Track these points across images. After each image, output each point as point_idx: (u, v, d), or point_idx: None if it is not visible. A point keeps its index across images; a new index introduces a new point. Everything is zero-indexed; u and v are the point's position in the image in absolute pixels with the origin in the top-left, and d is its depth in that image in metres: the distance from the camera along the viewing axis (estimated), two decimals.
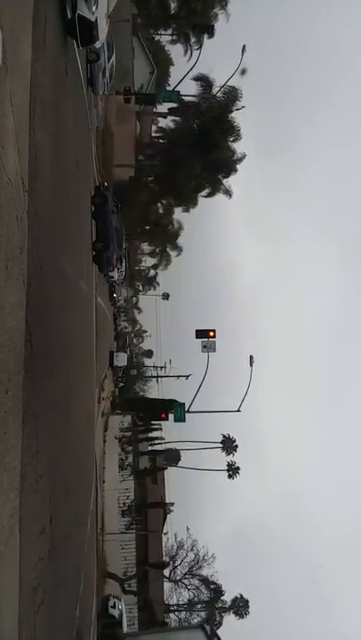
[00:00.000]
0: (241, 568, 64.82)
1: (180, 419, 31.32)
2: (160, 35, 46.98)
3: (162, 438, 49.16)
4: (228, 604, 42.03)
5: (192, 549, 41.03)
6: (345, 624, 62.24)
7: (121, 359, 45.09)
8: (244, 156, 37.86)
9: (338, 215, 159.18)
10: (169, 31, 44.89)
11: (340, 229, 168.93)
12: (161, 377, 61.01)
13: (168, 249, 53.07)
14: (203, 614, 41.54)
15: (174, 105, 38.74)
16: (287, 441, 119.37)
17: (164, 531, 41.89)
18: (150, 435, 47.68)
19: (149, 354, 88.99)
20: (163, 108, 41.49)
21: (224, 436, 48.10)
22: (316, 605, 76.19)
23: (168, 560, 40.89)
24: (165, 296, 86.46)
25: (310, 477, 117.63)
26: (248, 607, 42.17)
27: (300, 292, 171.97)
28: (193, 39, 42.28)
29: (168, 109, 40.22)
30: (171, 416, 31.76)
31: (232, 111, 36.56)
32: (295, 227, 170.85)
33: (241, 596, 42.38)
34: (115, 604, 20.86)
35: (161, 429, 47.73)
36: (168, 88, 44.30)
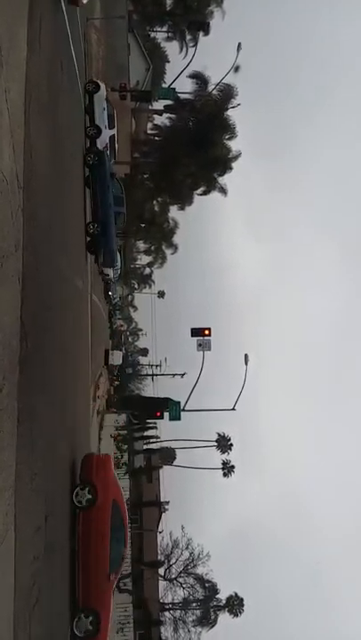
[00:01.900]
0: (237, 567, 65.05)
1: (175, 417, 31.28)
2: (156, 32, 46.93)
3: (157, 437, 49.18)
4: (223, 602, 42.12)
5: (187, 548, 41.14)
6: (345, 624, 62.66)
7: (116, 357, 45.00)
8: (240, 154, 37.92)
9: (339, 215, 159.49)
10: (165, 28, 44.86)
11: (340, 229, 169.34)
12: (156, 375, 61.03)
13: (164, 247, 53.03)
14: (198, 612, 41.65)
15: (170, 102, 38.72)
16: (286, 440, 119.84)
17: (160, 529, 41.96)
18: (145, 433, 47.69)
19: (145, 352, 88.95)
20: (158, 105, 41.48)
21: (219, 435, 48.18)
22: (316, 605, 76.53)
23: (163, 559, 40.96)
24: (161, 294, 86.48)
25: (309, 477, 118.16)
26: (243, 606, 42.28)
27: (300, 291, 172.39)
28: (189, 36, 42.28)
29: (164, 107, 40.19)
30: (166, 415, 31.72)
31: (227, 109, 36.58)
32: (295, 226, 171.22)
33: (236, 594, 42.48)
34: None
35: (156, 428, 47.76)
36: (164, 85, 44.29)
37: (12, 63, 5.99)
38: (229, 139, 37.20)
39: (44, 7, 8.65)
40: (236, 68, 37.48)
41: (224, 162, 37.25)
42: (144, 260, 69.33)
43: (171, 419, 31.61)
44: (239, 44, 36.69)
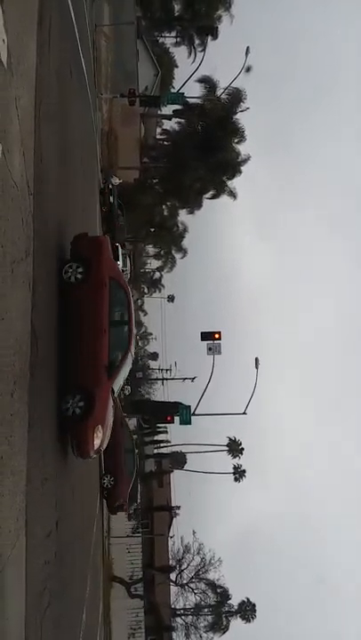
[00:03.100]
0: (248, 572, 64.66)
1: (185, 421, 31.21)
2: (164, 37, 47.14)
3: (167, 441, 49.15)
4: (235, 607, 41.85)
5: (198, 553, 40.92)
6: (352, 629, 61.95)
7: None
8: (249, 158, 37.94)
9: (349, 217, 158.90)
10: (173, 33, 45.06)
11: (351, 231, 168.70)
12: (166, 379, 60.98)
13: (173, 251, 53.08)
14: (210, 618, 41.41)
15: (179, 107, 38.82)
16: (295, 442, 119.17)
17: (171, 534, 41.81)
18: (156, 438, 47.67)
19: (154, 356, 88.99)
20: (167, 110, 41.60)
21: (230, 439, 48.00)
22: (324, 610, 75.80)
23: (174, 564, 40.78)
24: (170, 298, 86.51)
25: (319, 480, 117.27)
26: (255, 611, 41.98)
27: (311, 294, 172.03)
28: (197, 41, 42.44)
29: (172, 111, 40.31)
30: (176, 419, 31.66)
31: (236, 113, 36.64)
32: (304, 228, 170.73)
33: (248, 599, 42.20)
34: None
35: (167, 432, 47.71)
36: (172, 90, 44.43)
37: (22, 71, 6.04)
38: (238, 142, 37.24)
39: (53, 14, 8.73)
40: (248, 69, 37.53)
41: (233, 165, 37.27)
42: (153, 264, 69.48)
43: (181, 423, 31.54)
44: (248, 48, 36.75)
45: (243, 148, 37.65)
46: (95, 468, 17.61)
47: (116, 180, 29.25)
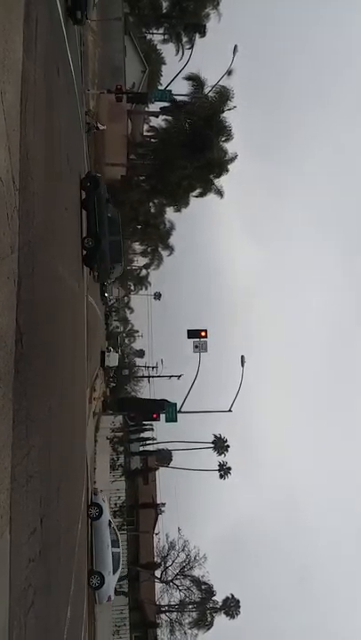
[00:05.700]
0: (233, 568, 65.06)
1: (171, 419, 31.28)
2: (152, 34, 47.08)
3: (153, 439, 49.21)
4: (220, 604, 42.13)
5: (183, 550, 41.12)
6: (336, 625, 62.69)
7: (112, 359, 45.02)
8: (236, 156, 38.09)
9: (335, 216, 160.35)
10: (161, 30, 45.03)
11: (336, 229, 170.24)
12: (152, 377, 60.99)
13: (160, 248, 53.07)
14: (194, 614, 41.63)
15: (166, 104, 38.81)
16: (280, 441, 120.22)
17: (156, 531, 41.93)
18: (142, 435, 47.70)
19: (141, 354, 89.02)
20: (154, 107, 41.57)
21: (215, 437, 48.19)
22: (308, 606, 76.62)
23: (159, 561, 40.93)
24: (157, 296, 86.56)
25: (303, 477, 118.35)
26: (239, 607, 42.32)
27: (297, 292, 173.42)
28: (185, 38, 42.49)
29: (160, 108, 40.27)
30: (162, 416, 31.71)
31: (223, 111, 36.73)
32: (291, 227, 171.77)
33: (232, 596, 42.52)
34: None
35: (152, 430, 47.77)
36: (160, 87, 44.40)
37: (8, 65, 5.99)
38: (225, 141, 37.34)
39: (40, 9, 8.67)
40: (230, 73, 37.71)
41: (220, 164, 37.37)
42: (140, 261, 69.41)
43: (167, 420, 31.62)
44: (235, 47, 36.86)
45: (230, 147, 37.79)
46: (80, 491, 17.58)
47: (100, 126, 29.05)
